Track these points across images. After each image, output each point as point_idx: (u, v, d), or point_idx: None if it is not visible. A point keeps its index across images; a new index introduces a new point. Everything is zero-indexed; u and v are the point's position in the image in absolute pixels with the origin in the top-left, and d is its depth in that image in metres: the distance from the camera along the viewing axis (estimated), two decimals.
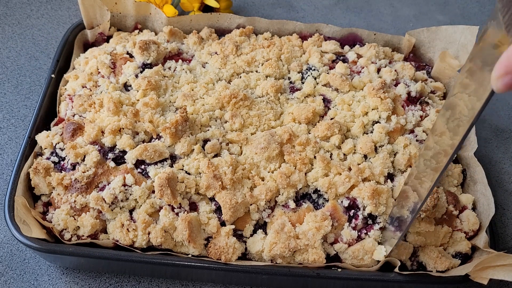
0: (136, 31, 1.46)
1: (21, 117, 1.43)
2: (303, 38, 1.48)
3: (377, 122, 1.24)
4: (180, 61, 1.35)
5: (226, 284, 1.18)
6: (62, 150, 1.14)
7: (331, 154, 1.18)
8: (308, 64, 1.38)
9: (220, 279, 1.17)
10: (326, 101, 1.30)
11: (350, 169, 1.15)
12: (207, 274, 1.13)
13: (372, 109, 1.26)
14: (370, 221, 1.10)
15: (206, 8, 1.69)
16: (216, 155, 1.15)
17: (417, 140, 1.24)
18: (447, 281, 1.06)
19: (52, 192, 1.11)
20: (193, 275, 1.15)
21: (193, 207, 1.09)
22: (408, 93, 1.31)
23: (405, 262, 1.10)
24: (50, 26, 1.67)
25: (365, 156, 1.19)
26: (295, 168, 1.13)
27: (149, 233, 1.05)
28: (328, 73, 1.35)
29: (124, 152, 1.13)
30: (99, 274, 1.17)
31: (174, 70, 1.33)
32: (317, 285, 1.14)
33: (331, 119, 1.25)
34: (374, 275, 1.07)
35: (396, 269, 1.07)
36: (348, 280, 1.07)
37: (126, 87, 1.28)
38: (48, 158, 1.14)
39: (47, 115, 1.25)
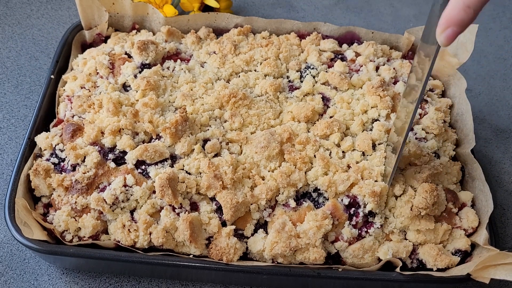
0: (134, 31, 1.46)
1: (21, 117, 1.43)
2: (301, 37, 1.48)
3: (377, 120, 1.24)
4: (178, 61, 1.35)
5: (226, 284, 1.18)
6: (62, 151, 1.14)
7: (330, 152, 1.18)
8: (306, 62, 1.38)
9: (220, 279, 1.17)
10: (325, 100, 1.30)
11: (349, 166, 1.15)
12: (207, 274, 1.13)
13: (372, 107, 1.26)
14: (370, 219, 1.10)
15: (206, 8, 1.69)
16: (216, 155, 1.15)
17: (416, 138, 1.24)
18: (449, 281, 1.06)
19: (52, 194, 1.11)
20: (193, 275, 1.16)
21: (194, 207, 1.09)
22: None
23: (404, 260, 1.10)
24: (50, 26, 1.67)
25: (364, 154, 1.19)
26: (295, 167, 1.13)
27: (150, 234, 1.05)
28: (326, 71, 1.35)
29: (124, 152, 1.13)
30: (99, 274, 1.17)
31: (173, 70, 1.33)
32: (318, 284, 1.15)
33: (331, 117, 1.25)
34: (375, 275, 1.07)
35: (397, 269, 1.07)
36: (349, 280, 1.07)
37: (125, 87, 1.28)
38: (48, 160, 1.14)
39: (46, 116, 1.25)
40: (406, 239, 1.11)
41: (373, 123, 1.24)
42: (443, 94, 1.40)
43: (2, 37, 1.61)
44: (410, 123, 1.05)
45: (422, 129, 1.25)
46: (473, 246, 1.13)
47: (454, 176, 1.22)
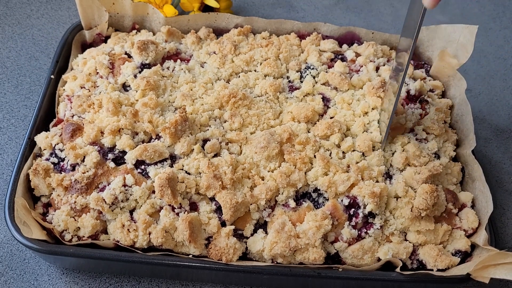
0: (134, 31, 1.46)
1: (21, 117, 1.43)
2: (301, 37, 1.48)
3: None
4: (178, 61, 1.35)
5: (227, 284, 1.18)
6: (61, 151, 1.14)
7: (331, 152, 1.18)
8: (306, 63, 1.38)
9: (221, 280, 1.17)
10: (326, 100, 1.30)
11: (349, 167, 1.15)
12: (208, 274, 1.13)
13: (372, 109, 1.26)
14: (370, 220, 1.10)
15: (206, 8, 1.69)
16: (216, 155, 1.15)
17: (416, 139, 1.24)
18: (448, 281, 1.06)
19: (52, 193, 1.11)
20: (193, 275, 1.15)
21: (194, 207, 1.09)
22: (408, 92, 1.31)
23: (404, 261, 1.10)
24: (50, 26, 1.67)
25: (364, 154, 1.19)
26: (295, 167, 1.13)
27: (149, 234, 1.05)
28: (326, 72, 1.35)
29: (124, 152, 1.13)
30: (99, 274, 1.17)
31: (172, 70, 1.33)
32: (318, 284, 1.14)
33: (331, 118, 1.25)
34: (376, 275, 1.07)
35: (398, 269, 1.07)
36: (349, 280, 1.07)
37: (125, 87, 1.28)
38: (47, 159, 1.14)
39: (47, 116, 1.25)
40: (406, 240, 1.11)
41: (372, 121, 1.24)
42: (443, 95, 1.40)
43: (2, 37, 1.61)
44: (395, 106, 1.12)
45: (423, 130, 1.25)
46: (473, 247, 1.13)
47: (454, 176, 1.22)
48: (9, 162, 1.33)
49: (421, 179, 1.13)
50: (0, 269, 1.16)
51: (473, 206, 1.18)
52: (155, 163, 1.12)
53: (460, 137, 1.30)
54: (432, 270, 1.08)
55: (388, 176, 1.17)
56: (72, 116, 1.22)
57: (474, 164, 1.21)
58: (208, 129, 1.19)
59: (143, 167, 1.11)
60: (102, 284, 1.16)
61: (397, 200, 1.12)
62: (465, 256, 1.12)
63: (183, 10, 1.68)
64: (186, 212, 1.07)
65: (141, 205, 1.08)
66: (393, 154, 1.20)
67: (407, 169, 1.17)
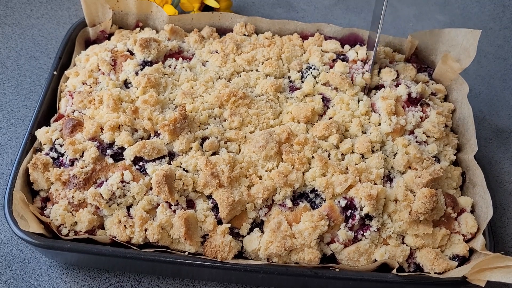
0: (138, 29, 1.46)
1: (21, 117, 1.43)
2: (304, 37, 1.47)
3: (379, 124, 1.24)
4: (180, 59, 1.36)
5: (226, 282, 1.18)
6: (61, 146, 1.15)
7: (329, 153, 1.18)
8: (308, 63, 1.38)
9: (219, 278, 1.17)
10: (326, 100, 1.29)
11: (347, 169, 1.15)
12: (207, 272, 1.13)
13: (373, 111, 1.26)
14: (367, 222, 1.09)
15: (206, 8, 1.70)
16: (214, 153, 1.15)
17: (417, 141, 1.23)
18: (444, 283, 1.05)
19: (50, 188, 1.11)
20: (191, 272, 1.15)
21: (190, 204, 1.09)
22: (409, 94, 1.31)
23: (401, 264, 1.10)
24: (50, 26, 1.67)
25: (363, 156, 1.19)
26: (292, 168, 1.13)
27: (146, 230, 1.05)
28: (327, 72, 1.35)
29: (122, 148, 1.13)
30: (99, 274, 1.17)
31: (174, 68, 1.33)
32: (315, 284, 1.14)
33: (330, 118, 1.24)
34: (372, 276, 1.06)
35: (394, 271, 1.06)
36: (346, 280, 1.06)
37: (126, 84, 1.28)
38: (47, 154, 1.14)
39: (49, 111, 1.26)
40: (404, 243, 1.11)
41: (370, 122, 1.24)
42: (446, 99, 1.39)
43: (2, 37, 1.62)
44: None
45: (423, 133, 1.25)
46: (471, 251, 1.12)
47: (455, 181, 1.21)
48: (9, 162, 1.33)
49: (422, 183, 1.12)
50: (0, 269, 1.16)
51: (472, 211, 1.18)
52: (153, 160, 1.12)
53: (462, 141, 1.29)
54: (429, 273, 1.08)
55: (388, 178, 1.17)
56: (73, 112, 1.22)
57: (476, 169, 1.20)
58: (207, 128, 1.19)
59: (141, 163, 1.11)
60: (102, 284, 1.15)
61: (395, 203, 1.12)
62: (463, 261, 1.11)
63: (183, 10, 1.68)
64: (182, 210, 1.07)
65: (138, 202, 1.08)
66: (394, 155, 1.20)
67: (407, 172, 1.17)
